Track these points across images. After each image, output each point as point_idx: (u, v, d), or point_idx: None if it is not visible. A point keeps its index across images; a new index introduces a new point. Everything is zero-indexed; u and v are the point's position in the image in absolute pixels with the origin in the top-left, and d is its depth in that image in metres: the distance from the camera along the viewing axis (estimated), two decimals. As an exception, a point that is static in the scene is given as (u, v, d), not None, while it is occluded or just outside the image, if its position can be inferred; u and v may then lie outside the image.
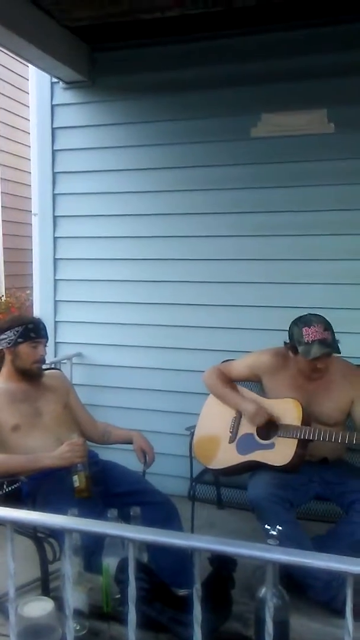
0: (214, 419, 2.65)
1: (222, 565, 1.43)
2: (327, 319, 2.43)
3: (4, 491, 2.17)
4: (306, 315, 2.43)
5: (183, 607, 1.32)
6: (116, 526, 1.34)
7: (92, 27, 3.10)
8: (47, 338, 2.47)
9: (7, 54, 5.43)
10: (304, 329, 2.35)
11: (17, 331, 2.36)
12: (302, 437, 2.35)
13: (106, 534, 1.37)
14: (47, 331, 2.49)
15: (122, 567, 1.45)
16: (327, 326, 2.37)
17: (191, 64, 3.22)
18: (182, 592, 1.54)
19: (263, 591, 1.27)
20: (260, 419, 2.46)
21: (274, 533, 1.32)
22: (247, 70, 3.13)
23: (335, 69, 2.99)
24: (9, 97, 6.57)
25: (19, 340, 2.36)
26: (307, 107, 3.06)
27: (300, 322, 2.40)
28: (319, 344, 2.31)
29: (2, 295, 6.35)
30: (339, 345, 2.38)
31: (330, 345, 2.33)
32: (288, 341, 2.45)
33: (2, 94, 6.50)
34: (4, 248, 6.65)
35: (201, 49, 3.19)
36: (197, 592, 1.19)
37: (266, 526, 1.35)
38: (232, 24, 3.03)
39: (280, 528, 1.33)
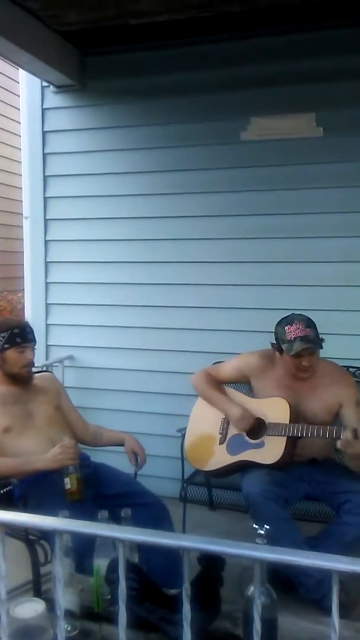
0: (204, 421, 2.67)
1: (211, 564, 1.44)
2: (317, 320, 2.46)
3: (-2, 493, 2.18)
4: (289, 315, 2.47)
5: (173, 607, 1.34)
6: (106, 527, 1.36)
7: (83, 31, 3.12)
8: (34, 341, 2.46)
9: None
10: (286, 327, 2.41)
11: (3, 337, 2.36)
12: (291, 435, 2.38)
13: (96, 535, 1.38)
14: (35, 334, 2.48)
15: (113, 568, 1.46)
16: (310, 324, 2.42)
17: (181, 69, 3.24)
18: (172, 592, 1.55)
19: (251, 590, 1.29)
20: (245, 424, 2.49)
21: (262, 532, 1.34)
22: (237, 74, 3.16)
23: (323, 73, 3.02)
24: (-1, 100, 6.56)
25: (6, 346, 2.36)
26: (295, 111, 3.09)
27: (283, 321, 2.45)
28: (300, 340, 2.36)
29: (-6, 298, 6.34)
30: (322, 343, 2.42)
31: (312, 341, 2.37)
32: (274, 342, 2.49)
33: (-7, 97, 6.49)
34: (-5, 251, 6.63)
35: (190, 53, 3.21)
36: (186, 591, 1.21)
37: (254, 525, 1.37)
38: (221, 28, 3.06)
39: (267, 527, 1.35)
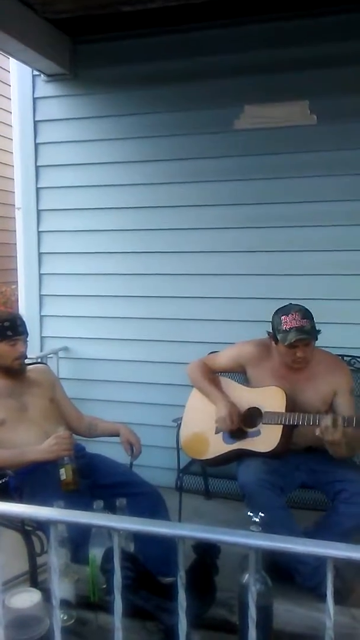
0: (199, 411, 2.67)
1: (206, 552, 1.45)
2: (314, 309, 2.47)
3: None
4: (287, 305, 2.47)
5: (168, 595, 1.34)
6: (101, 516, 1.35)
7: (74, 19, 3.08)
8: (26, 334, 2.44)
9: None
10: (282, 317, 2.41)
11: None
12: (287, 423, 2.38)
13: (91, 525, 1.38)
14: (26, 326, 2.46)
15: (108, 557, 1.47)
16: (306, 315, 2.41)
17: (173, 56, 3.21)
18: (167, 580, 1.55)
19: (246, 577, 1.29)
20: (224, 427, 2.48)
21: (257, 520, 1.34)
22: (229, 62, 3.13)
23: (316, 60, 3.00)
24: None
25: None
26: (289, 99, 3.07)
27: (280, 311, 2.45)
28: (296, 330, 2.36)
29: (-12, 290, 6.30)
30: (318, 334, 2.42)
31: (307, 332, 2.37)
32: (270, 331, 2.48)
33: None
34: (-11, 243, 6.59)
35: (183, 41, 3.18)
36: (181, 579, 1.21)
37: (249, 513, 1.37)
38: (214, 15, 3.03)
39: (262, 515, 1.35)
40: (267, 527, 1.39)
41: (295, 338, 2.35)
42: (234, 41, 3.11)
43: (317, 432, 2.24)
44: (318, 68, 3.00)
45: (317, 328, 2.44)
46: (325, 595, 1.54)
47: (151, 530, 1.21)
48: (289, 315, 2.39)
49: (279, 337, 2.41)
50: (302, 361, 2.44)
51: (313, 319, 2.43)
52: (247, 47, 3.09)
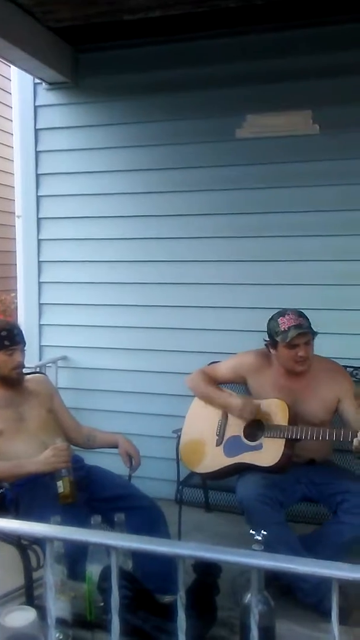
0: (200, 423, 2.64)
1: (206, 571, 1.41)
2: (314, 319, 2.45)
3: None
4: (281, 310, 2.47)
5: (167, 615, 1.30)
6: (98, 534, 1.31)
7: (76, 28, 3.08)
8: (23, 343, 2.41)
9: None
10: (279, 319, 2.41)
11: None
12: (289, 437, 2.34)
13: (88, 542, 1.34)
14: (23, 336, 2.43)
15: (105, 576, 1.42)
16: (302, 314, 2.42)
17: (175, 65, 3.21)
18: (167, 598, 1.51)
19: (248, 597, 1.25)
20: (248, 413, 2.44)
21: (259, 538, 1.30)
22: (232, 71, 3.12)
23: (319, 70, 2.99)
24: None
25: None
26: (291, 108, 3.06)
27: (276, 315, 2.46)
28: (295, 327, 2.36)
29: (-12, 298, 6.28)
30: (315, 336, 2.41)
31: (306, 328, 2.37)
32: (267, 339, 2.47)
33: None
34: (-11, 251, 6.58)
35: (185, 50, 3.18)
36: (181, 599, 1.17)
37: (251, 531, 1.34)
38: (216, 24, 3.02)
39: (265, 533, 1.31)
40: (267, 543, 1.35)
41: (296, 333, 2.34)
42: (236, 50, 3.10)
43: (356, 442, 2.18)
44: (321, 78, 2.99)
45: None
46: (327, 612, 1.48)
47: (151, 549, 1.17)
48: (286, 316, 2.40)
49: (278, 339, 2.39)
50: (304, 361, 2.41)
51: (308, 319, 2.42)
52: (250, 56, 3.08)
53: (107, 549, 1.21)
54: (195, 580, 1.40)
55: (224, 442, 2.54)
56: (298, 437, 2.33)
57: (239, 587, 1.30)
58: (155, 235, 3.34)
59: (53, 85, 3.42)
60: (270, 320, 2.46)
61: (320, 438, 2.29)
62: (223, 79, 3.14)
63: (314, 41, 2.98)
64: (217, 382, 2.66)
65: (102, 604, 1.50)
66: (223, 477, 2.57)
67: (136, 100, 3.32)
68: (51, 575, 1.23)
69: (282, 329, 2.38)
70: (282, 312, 2.44)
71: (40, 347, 3.58)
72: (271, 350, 2.48)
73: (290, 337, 2.35)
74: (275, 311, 2.50)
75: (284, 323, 2.38)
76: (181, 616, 1.16)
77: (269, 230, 3.14)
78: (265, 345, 2.49)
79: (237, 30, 3.06)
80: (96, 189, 3.42)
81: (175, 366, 3.29)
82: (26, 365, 2.50)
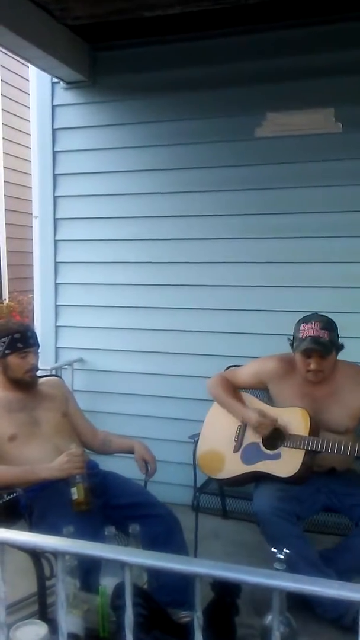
0: (219, 428, 2.58)
1: (225, 591, 1.34)
2: (340, 322, 2.38)
3: (2, 500, 2.10)
4: (311, 314, 2.39)
5: (183, 636, 1.24)
6: (112, 549, 1.26)
7: (93, 25, 3.04)
8: (37, 346, 2.38)
9: (7, 54, 5.39)
10: (302, 325, 2.34)
11: (4, 342, 2.29)
12: (309, 448, 2.27)
13: (102, 557, 1.29)
14: (37, 338, 2.40)
15: (119, 593, 1.37)
16: (327, 327, 2.32)
17: (194, 63, 3.14)
18: (182, 614, 1.45)
19: (269, 619, 1.19)
20: (264, 430, 2.38)
21: (281, 556, 1.24)
22: (252, 68, 3.05)
23: (342, 67, 2.91)
24: (11, 99, 6.53)
25: (7, 351, 2.29)
26: (313, 106, 2.98)
27: (302, 319, 2.38)
28: (311, 340, 2.28)
29: (6, 299, 6.30)
30: (341, 349, 2.34)
31: (322, 344, 2.28)
32: (291, 340, 2.41)
33: (5, 96, 6.47)
34: (7, 251, 6.61)
35: (204, 47, 3.11)
36: (198, 620, 1.11)
37: (272, 549, 1.27)
38: (235, 21, 2.95)
39: (287, 551, 1.25)
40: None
41: (307, 347, 2.27)
42: (256, 48, 3.03)
43: None
44: (344, 75, 2.91)
45: (339, 342, 2.34)
46: (347, 628, 1.40)
47: (167, 567, 1.11)
48: (309, 324, 2.33)
49: (294, 345, 2.35)
50: (316, 374, 2.34)
51: (336, 331, 2.34)
52: (269, 53, 3.01)
53: (122, 565, 1.16)
54: (214, 600, 1.34)
55: (242, 448, 2.47)
56: (318, 449, 2.26)
57: (261, 599, 1.23)
58: (174, 236, 3.28)
59: (71, 84, 3.38)
60: (297, 322, 2.40)
61: (342, 452, 2.22)
62: (243, 76, 3.07)
63: (336, 38, 2.90)
64: (237, 387, 2.60)
65: (114, 618, 1.45)
66: (239, 485, 2.52)
67: (154, 99, 3.26)
68: (63, 590, 1.18)
69: (300, 337, 2.32)
70: (308, 318, 2.36)
71: (57, 348, 3.55)
72: (292, 351, 2.41)
73: (303, 347, 2.29)
74: (297, 314, 2.44)
75: (304, 331, 2.32)
76: (198, 638, 1.10)
77: (293, 231, 3.06)
78: (289, 341, 2.43)
79: (257, 28, 2.98)
80: (113, 189, 3.38)
81: (192, 369, 3.23)
82: (42, 367, 2.46)
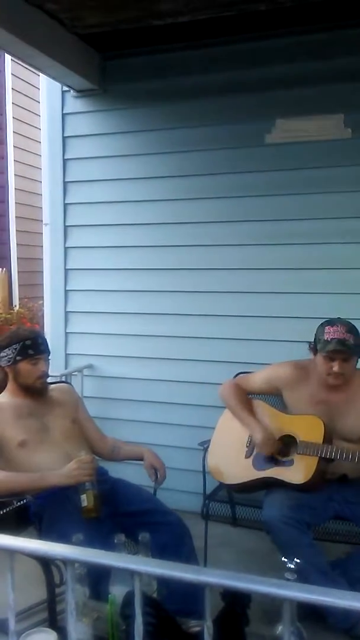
0: (230, 433, 2.56)
1: (235, 600, 1.33)
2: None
3: (12, 507, 2.10)
4: (335, 318, 2.37)
5: (193, 645, 1.23)
6: (122, 557, 1.26)
7: (103, 34, 3.05)
8: (47, 352, 2.38)
9: (18, 63, 5.45)
10: (326, 327, 2.32)
11: (15, 349, 2.29)
12: (322, 456, 2.25)
13: (111, 566, 1.28)
14: (48, 345, 2.41)
15: (128, 601, 1.36)
16: (352, 330, 2.31)
17: (204, 70, 3.16)
18: (192, 624, 1.44)
19: (280, 629, 1.17)
20: (266, 450, 2.38)
21: (292, 566, 1.23)
22: (261, 75, 3.05)
23: (351, 73, 2.90)
24: (22, 107, 6.60)
25: (18, 358, 2.29)
26: (323, 112, 2.98)
27: (326, 322, 2.36)
28: (337, 342, 2.26)
29: (16, 306, 6.33)
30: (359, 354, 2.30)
31: (348, 346, 2.26)
32: (312, 342, 2.39)
33: (16, 104, 6.54)
34: (18, 258, 6.65)
35: (213, 54, 3.12)
36: (208, 629, 1.10)
37: (283, 558, 1.26)
38: (245, 28, 2.96)
39: (298, 561, 1.23)
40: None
41: (334, 348, 2.25)
42: (265, 55, 3.03)
43: None
44: (353, 81, 2.90)
45: None
46: (359, 638, 1.38)
47: (176, 576, 1.11)
48: (334, 327, 2.31)
49: (318, 347, 2.32)
50: (337, 377, 2.32)
51: (358, 336, 2.32)
52: (279, 60, 3.01)
53: (131, 574, 1.15)
54: (224, 609, 1.33)
55: (253, 454, 2.46)
56: (332, 457, 2.24)
57: (271, 609, 1.21)
58: (183, 242, 3.28)
59: (81, 93, 3.40)
60: (319, 325, 2.38)
61: (356, 461, 2.20)
62: (252, 83, 3.08)
63: (345, 44, 2.90)
64: (249, 394, 2.59)
65: (124, 627, 1.44)
66: (250, 491, 2.50)
67: (164, 107, 3.27)
68: (72, 598, 1.17)
69: (325, 339, 2.29)
70: (333, 321, 2.34)
71: (66, 355, 3.55)
72: (312, 354, 2.40)
73: (328, 349, 2.27)
74: (314, 321, 2.42)
75: (329, 333, 2.30)
76: (208, 648, 1.09)
77: (302, 237, 3.05)
78: (310, 348, 2.41)
79: (266, 34, 2.99)
80: (123, 196, 3.39)
81: (203, 376, 3.22)
82: (52, 373, 2.47)
